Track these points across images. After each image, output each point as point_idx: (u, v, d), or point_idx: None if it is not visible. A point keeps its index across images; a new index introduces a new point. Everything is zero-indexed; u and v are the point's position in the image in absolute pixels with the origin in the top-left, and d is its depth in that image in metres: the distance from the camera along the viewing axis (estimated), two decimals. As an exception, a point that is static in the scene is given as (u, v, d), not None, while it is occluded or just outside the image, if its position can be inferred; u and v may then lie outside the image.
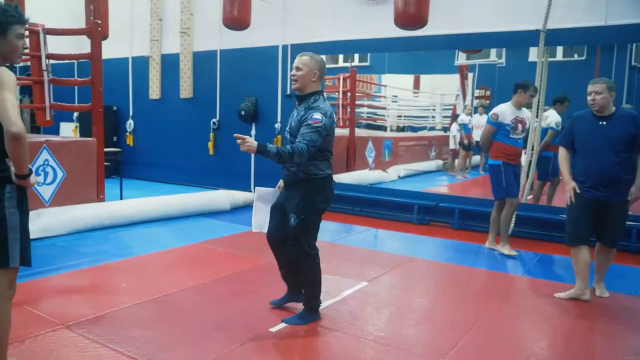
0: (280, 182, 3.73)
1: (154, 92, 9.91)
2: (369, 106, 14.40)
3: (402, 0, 6.15)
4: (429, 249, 5.95)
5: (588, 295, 4.19)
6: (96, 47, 6.45)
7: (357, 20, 7.72)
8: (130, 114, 10.30)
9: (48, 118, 6.30)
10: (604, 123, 4.07)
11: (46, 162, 5.95)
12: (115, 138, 10.42)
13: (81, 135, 10.36)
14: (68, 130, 10.83)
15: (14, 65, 2.96)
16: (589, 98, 4.10)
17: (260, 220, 3.76)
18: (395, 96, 15.91)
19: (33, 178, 2.58)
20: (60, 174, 6.09)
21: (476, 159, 12.45)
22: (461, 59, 12.60)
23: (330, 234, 6.55)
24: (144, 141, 10.24)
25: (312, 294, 3.65)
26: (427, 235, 6.63)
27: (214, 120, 9.22)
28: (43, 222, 5.61)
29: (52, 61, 6.49)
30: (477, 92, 15.37)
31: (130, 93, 10.25)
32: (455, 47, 7.39)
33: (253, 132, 8.83)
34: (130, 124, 10.26)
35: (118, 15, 10.05)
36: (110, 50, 10.12)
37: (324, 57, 5.75)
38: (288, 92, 8.52)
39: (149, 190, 8.91)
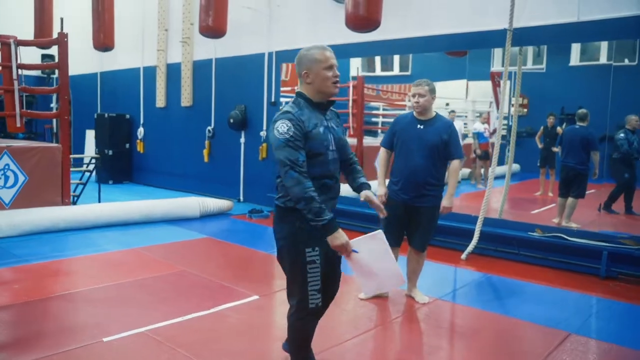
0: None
1: (160, 100, 10.21)
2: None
3: (352, 1, 5.88)
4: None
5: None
6: (63, 57, 6.71)
7: (334, 25, 7.51)
8: (141, 121, 10.66)
9: (18, 125, 6.64)
10: (421, 127, 4.06)
11: (7, 167, 6.27)
12: (127, 145, 10.84)
13: (96, 141, 10.88)
14: (91, 137, 11.41)
15: None
16: (412, 100, 4.06)
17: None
18: (447, 104, 15.36)
19: None
20: (21, 178, 6.39)
21: (500, 169, 11.74)
22: (497, 65, 11.96)
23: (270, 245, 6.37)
24: (153, 148, 10.56)
25: None
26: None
27: (209, 128, 9.32)
28: (-5, 223, 5.91)
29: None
30: (513, 100, 14.50)
31: (141, 102, 10.62)
32: (422, 50, 6.97)
33: (242, 139, 8.83)
34: (140, 131, 10.62)
35: (131, 27, 10.51)
36: (124, 60, 10.63)
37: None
38: (273, 100, 8.44)
39: (145, 195, 9.14)
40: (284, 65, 8.37)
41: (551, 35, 5.84)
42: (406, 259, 4.43)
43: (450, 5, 6.42)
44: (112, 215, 6.71)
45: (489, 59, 10.76)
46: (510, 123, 13.19)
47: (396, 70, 15.14)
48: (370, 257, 2.58)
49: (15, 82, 6.57)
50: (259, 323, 3.89)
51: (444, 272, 5.42)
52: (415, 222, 4.19)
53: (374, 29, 6.04)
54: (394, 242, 4.30)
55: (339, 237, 2.47)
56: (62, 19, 6.93)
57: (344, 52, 7.56)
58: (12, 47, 6.54)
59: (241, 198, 8.88)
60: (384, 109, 12.87)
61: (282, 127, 2.45)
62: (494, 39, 6.05)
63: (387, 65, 15.71)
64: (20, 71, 6.65)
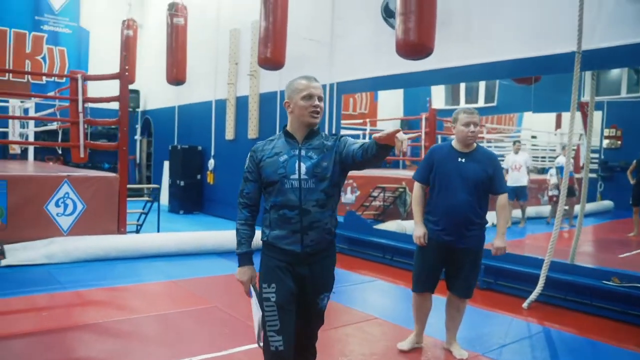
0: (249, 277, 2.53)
1: (229, 132, 10.36)
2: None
3: (402, 27, 5.58)
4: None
5: (422, 341, 4.03)
6: (124, 91, 6.94)
7: (396, 54, 7.23)
8: (212, 153, 10.87)
9: (82, 155, 6.92)
10: (463, 160, 3.65)
11: (67, 195, 6.51)
12: (199, 176, 11.08)
13: (170, 172, 11.24)
14: (168, 168, 11.86)
15: None
16: (465, 130, 3.60)
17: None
18: (534, 137, 14.54)
19: None
20: (80, 207, 6.60)
21: (589, 206, 10.61)
22: (588, 94, 11.14)
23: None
24: (222, 180, 10.70)
25: None
26: (438, 294, 5.73)
27: (272, 159, 9.26)
28: (49, 249, 6.11)
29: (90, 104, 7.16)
30: (606, 132, 13.35)
31: (212, 134, 10.85)
32: (485, 78, 6.50)
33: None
34: (211, 163, 10.82)
35: (206, 61, 10.86)
36: (198, 94, 10.99)
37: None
38: (334, 132, 8.24)
39: (210, 226, 9.21)
40: (346, 96, 8.20)
41: (628, 56, 5.15)
42: (445, 306, 3.94)
43: (514, 29, 5.92)
44: (162, 246, 6.74)
45: (579, 89, 9.96)
46: (601, 156, 12.08)
47: (481, 102, 14.44)
48: (255, 307, 2.54)
49: (81, 115, 6.87)
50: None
51: (497, 322, 4.80)
52: (457, 266, 3.73)
53: (426, 56, 5.68)
54: (430, 288, 3.87)
55: (242, 273, 2.51)
56: (125, 56, 7.26)
57: (405, 81, 7.26)
58: (79, 81, 6.88)
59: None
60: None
61: (247, 159, 2.59)
62: (561, 63, 5.46)
63: (471, 97, 15.05)
64: (86, 104, 6.96)
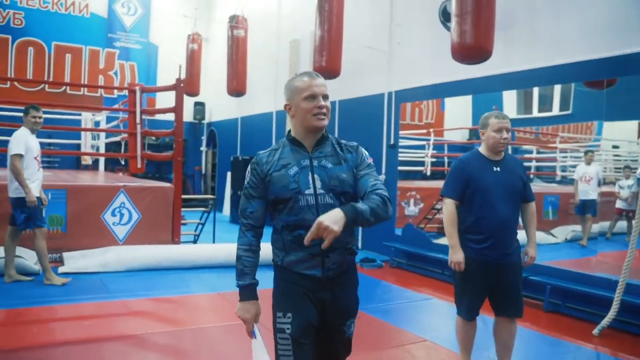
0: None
1: (288, 143, 10.29)
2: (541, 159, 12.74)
3: (458, 30, 5.24)
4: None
5: None
6: (179, 102, 7.01)
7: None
8: (272, 165, 10.84)
9: (139, 166, 7.04)
10: (498, 169, 3.33)
11: (122, 205, 6.62)
12: (258, 187, 11.09)
13: (231, 183, 11.33)
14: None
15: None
16: (497, 136, 3.25)
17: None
18: (616, 147, 13.62)
19: None
20: (135, 216, 6.70)
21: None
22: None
23: (375, 299, 5.73)
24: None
25: None
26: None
27: (329, 170, 9.09)
28: (105, 258, 6.22)
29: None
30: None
31: (273, 145, 10.82)
32: (551, 82, 6.07)
33: (360, 183, 8.43)
34: (269, 174, 10.78)
35: (268, 73, 10.90)
36: (260, 105, 11.05)
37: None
38: (392, 142, 7.95)
39: (267, 238, 9.12)
40: (407, 106, 7.92)
41: None
42: (492, 331, 3.56)
43: (583, 27, 5.44)
44: (214, 257, 6.69)
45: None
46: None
47: (556, 110, 13.66)
48: (259, 352, 2.11)
49: (138, 126, 7.00)
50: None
51: (563, 350, 4.33)
52: (505, 284, 3.34)
53: (484, 59, 5.31)
54: (478, 312, 3.50)
55: (245, 309, 2.12)
56: (180, 66, 7.31)
57: (466, 87, 6.92)
58: (137, 93, 7.02)
59: (359, 245, 8.40)
60: (538, 152, 11.62)
61: (247, 173, 2.20)
62: (637, 63, 4.91)
63: (545, 105, 14.28)
64: (143, 115, 7.10)
